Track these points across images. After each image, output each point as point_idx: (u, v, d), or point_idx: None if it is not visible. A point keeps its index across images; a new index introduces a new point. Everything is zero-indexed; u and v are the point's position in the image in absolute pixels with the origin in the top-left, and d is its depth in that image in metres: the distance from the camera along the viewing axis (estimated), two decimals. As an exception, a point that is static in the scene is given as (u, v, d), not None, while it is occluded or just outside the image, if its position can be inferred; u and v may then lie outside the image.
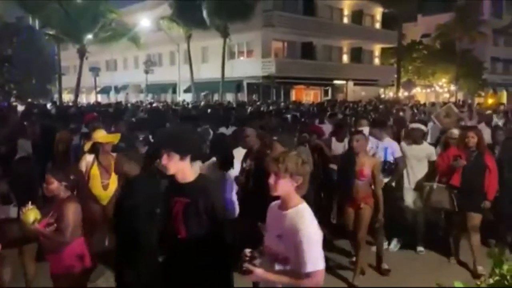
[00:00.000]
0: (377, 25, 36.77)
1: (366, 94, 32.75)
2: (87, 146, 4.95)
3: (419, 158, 5.65)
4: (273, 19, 28.01)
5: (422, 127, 5.93)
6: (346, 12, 34.36)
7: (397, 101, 27.66)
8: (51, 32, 26.80)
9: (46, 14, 24.66)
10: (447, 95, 38.35)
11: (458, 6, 37.88)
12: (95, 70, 27.89)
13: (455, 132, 5.96)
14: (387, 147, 5.55)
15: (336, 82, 33.24)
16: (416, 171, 5.64)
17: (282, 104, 21.56)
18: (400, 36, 32.53)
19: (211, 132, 7.30)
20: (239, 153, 4.88)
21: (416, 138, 5.72)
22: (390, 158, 5.52)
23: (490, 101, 31.15)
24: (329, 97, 32.45)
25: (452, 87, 38.05)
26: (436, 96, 38.89)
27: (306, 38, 30.66)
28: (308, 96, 32.94)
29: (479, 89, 37.89)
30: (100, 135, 5.06)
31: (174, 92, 35.31)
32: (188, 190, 2.53)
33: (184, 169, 2.53)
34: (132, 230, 3.24)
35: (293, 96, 31.35)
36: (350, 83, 34.14)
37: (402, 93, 34.22)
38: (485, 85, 38.40)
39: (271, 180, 2.26)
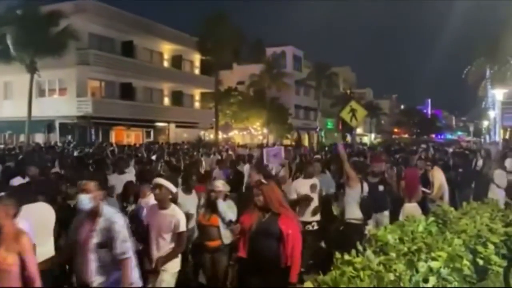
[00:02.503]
0: (196, 71, 38.50)
1: (188, 136, 33.52)
2: None
3: None
4: (89, 57, 26.78)
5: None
6: (166, 56, 35.13)
7: (216, 143, 29.10)
8: None
9: None
10: (260, 137, 42.03)
11: (266, 59, 42.99)
12: None
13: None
14: None
15: (158, 124, 33.21)
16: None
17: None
18: (217, 82, 34.73)
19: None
20: None
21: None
22: None
23: (293, 143, 35.34)
24: (151, 138, 32.16)
25: (265, 130, 41.94)
26: (251, 138, 42.24)
27: (125, 79, 30.10)
28: (129, 137, 32.03)
29: (286, 132, 42.67)
30: None
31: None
32: None
33: None
34: None
35: (113, 137, 30.03)
36: (172, 125, 34.54)
37: (221, 135, 36.15)
38: (291, 129, 43.56)
39: None
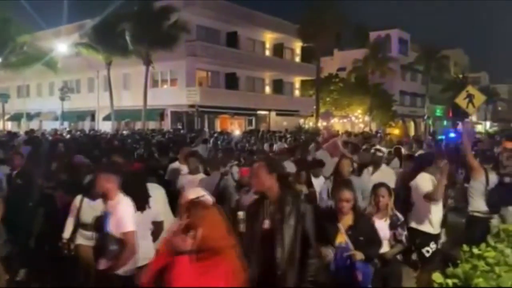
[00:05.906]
0: (297, 59, 38.45)
1: (288, 124, 33.78)
2: None
3: None
4: (196, 49, 28.17)
5: None
6: (267, 45, 35.62)
7: (317, 130, 28.89)
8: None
9: None
10: (362, 125, 40.78)
11: (370, 44, 41.35)
12: (3, 97, 25.95)
13: None
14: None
15: (259, 112, 33.97)
16: None
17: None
18: (318, 69, 34.37)
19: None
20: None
21: None
22: None
23: (397, 131, 33.63)
24: (253, 126, 33.02)
25: (366, 118, 40.57)
26: (352, 126, 41.19)
27: (230, 69, 31.19)
28: (233, 125, 33.25)
29: (390, 120, 40.83)
30: None
31: (92, 119, 33.83)
32: None
33: None
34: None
35: (218, 125, 31.48)
36: (273, 113, 35.05)
37: (321, 123, 35.77)
38: (395, 116, 41.55)
39: None
